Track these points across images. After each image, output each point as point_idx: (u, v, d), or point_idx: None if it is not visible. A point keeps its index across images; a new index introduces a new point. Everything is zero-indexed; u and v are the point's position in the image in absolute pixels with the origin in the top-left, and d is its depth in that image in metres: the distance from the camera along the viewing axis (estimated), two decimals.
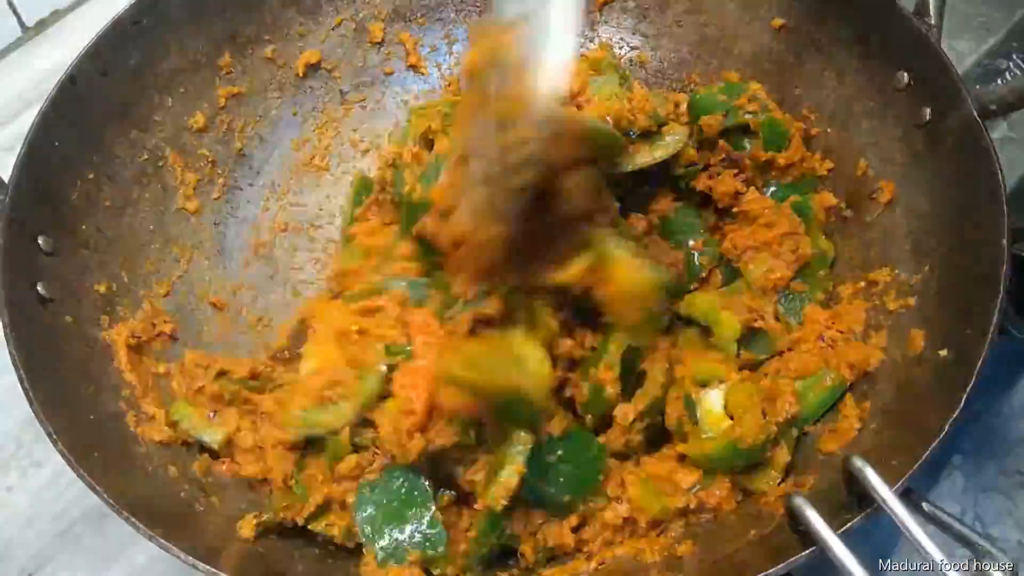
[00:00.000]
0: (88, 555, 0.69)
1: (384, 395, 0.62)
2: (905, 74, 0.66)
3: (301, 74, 0.79)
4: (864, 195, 0.68)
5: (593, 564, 0.59)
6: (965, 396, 0.54)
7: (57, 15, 0.92)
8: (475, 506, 0.59)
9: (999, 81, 0.79)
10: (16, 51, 0.91)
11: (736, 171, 0.70)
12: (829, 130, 0.71)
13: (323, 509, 0.60)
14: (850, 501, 0.53)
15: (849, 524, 0.51)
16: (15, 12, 0.88)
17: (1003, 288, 0.56)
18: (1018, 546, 0.70)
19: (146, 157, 0.71)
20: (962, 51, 0.78)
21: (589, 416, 0.63)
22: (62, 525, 0.70)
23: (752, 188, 0.69)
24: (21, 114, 0.62)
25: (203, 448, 0.63)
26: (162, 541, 0.51)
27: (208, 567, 0.52)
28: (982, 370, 0.54)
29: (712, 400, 0.63)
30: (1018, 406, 0.73)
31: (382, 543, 0.58)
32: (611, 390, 0.61)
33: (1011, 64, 0.80)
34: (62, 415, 0.57)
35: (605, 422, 0.63)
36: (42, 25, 0.92)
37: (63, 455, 0.53)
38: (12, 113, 0.75)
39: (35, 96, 0.62)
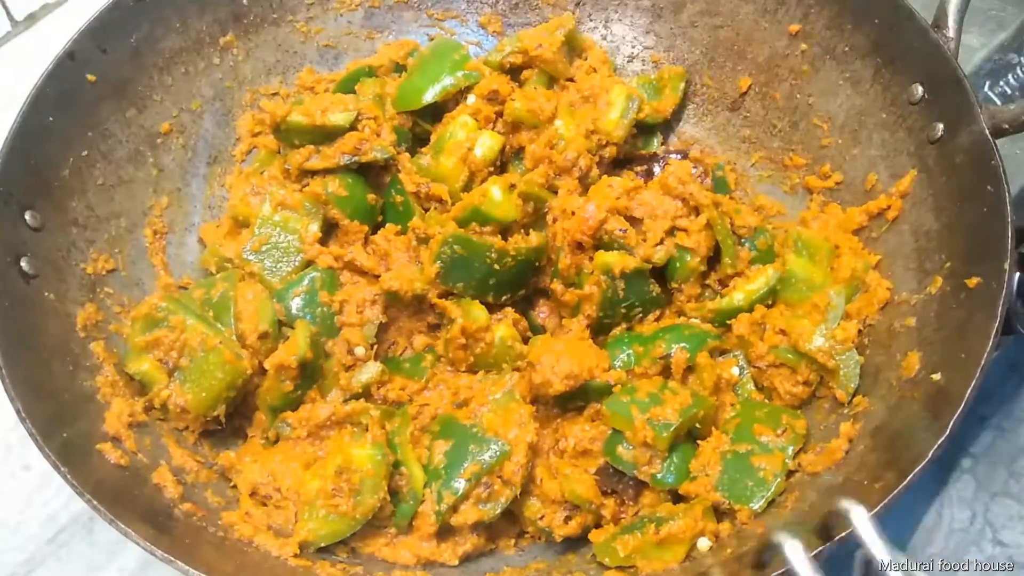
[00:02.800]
0: (77, 560, 0.68)
1: None
2: (920, 87, 0.64)
3: (308, 57, 0.78)
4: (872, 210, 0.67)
5: None
6: (951, 424, 0.52)
7: (47, 8, 0.92)
8: None
9: (1009, 76, 0.77)
10: (6, 45, 0.91)
11: None
12: (840, 141, 0.69)
13: None
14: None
15: (819, 549, 0.50)
16: (4, 6, 0.88)
17: (1001, 315, 0.55)
18: None
19: (143, 136, 0.71)
20: (973, 46, 0.77)
21: None
22: (51, 530, 0.69)
23: None
24: (8, 108, 0.62)
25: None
26: (121, 525, 0.51)
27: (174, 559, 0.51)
28: (972, 397, 0.53)
29: None
30: None
31: None
32: None
33: (1022, 59, 0.78)
34: (35, 392, 0.56)
35: None
36: (32, 19, 0.91)
37: (30, 433, 0.53)
38: (1, 107, 0.75)
39: (25, 90, 0.62)
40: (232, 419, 0.63)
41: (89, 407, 0.60)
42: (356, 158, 0.67)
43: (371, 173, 0.68)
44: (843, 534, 0.49)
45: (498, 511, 0.59)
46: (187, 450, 0.62)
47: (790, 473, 0.59)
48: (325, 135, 0.68)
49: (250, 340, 0.62)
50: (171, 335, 0.61)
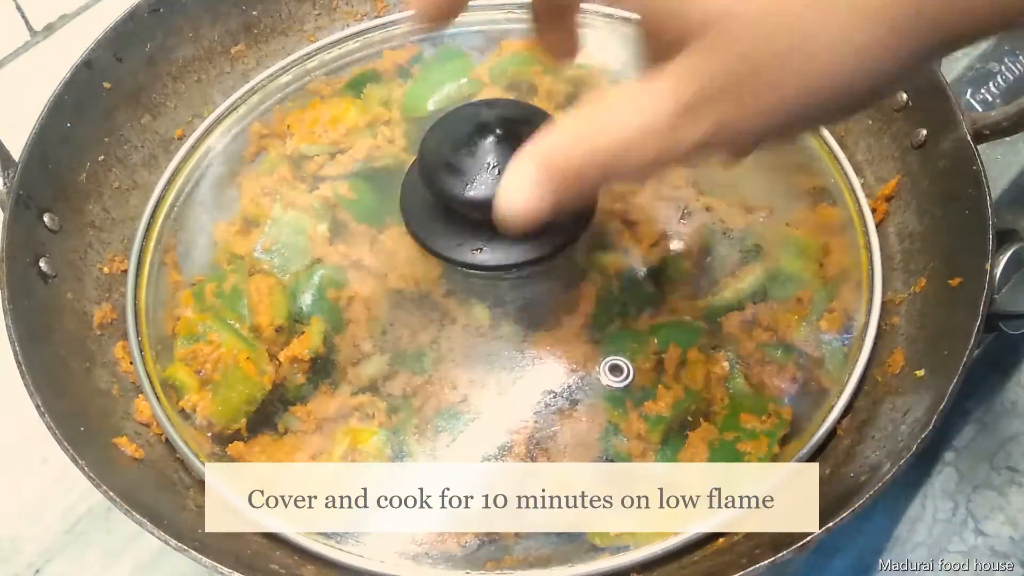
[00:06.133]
0: (95, 550, 0.70)
1: None
2: (904, 94, 0.66)
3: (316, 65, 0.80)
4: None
5: None
6: (935, 419, 0.54)
7: (65, 19, 0.94)
8: None
9: (991, 84, 0.79)
10: (24, 55, 0.93)
11: None
12: (828, 146, 0.71)
13: None
14: None
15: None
16: (23, 17, 0.90)
17: (982, 314, 0.57)
18: (1010, 542, 0.70)
19: (157, 141, 0.73)
20: (955, 55, 0.78)
21: None
22: (69, 521, 0.71)
23: None
24: (28, 117, 0.65)
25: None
26: (137, 516, 0.52)
27: (187, 548, 0.52)
28: (955, 392, 0.55)
29: None
30: (1009, 403, 0.74)
31: None
32: None
33: (1003, 67, 0.80)
34: (54, 388, 0.58)
35: None
36: (50, 29, 0.94)
37: (49, 428, 0.55)
38: (19, 116, 0.76)
39: (43, 100, 0.64)
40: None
41: (105, 402, 0.63)
42: (369, 164, 0.69)
43: (380, 176, 0.70)
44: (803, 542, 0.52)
45: None
46: (198, 442, 0.64)
47: (775, 458, 0.60)
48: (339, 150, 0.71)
49: (266, 333, 0.63)
50: (207, 348, 0.63)
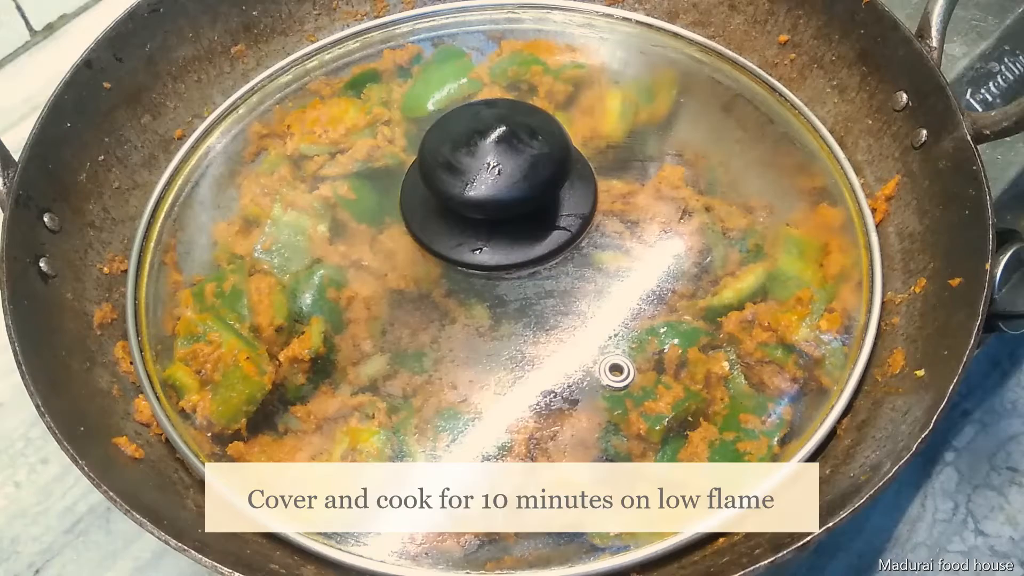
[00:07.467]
0: (95, 550, 0.70)
1: None
2: (904, 94, 0.66)
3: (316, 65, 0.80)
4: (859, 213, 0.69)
5: None
6: (935, 419, 0.54)
7: (65, 19, 0.95)
8: None
9: (991, 84, 0.79)
10: (24, 55, 0.94)
11: None
12: (828, 146, 0.71)
13: None
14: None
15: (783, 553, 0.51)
16: (23, 16, 0.91)
17: (982, 314, 0.56)
18: (1010, 542, 0.70)
19: (157, 141, 0.73)
20: (955, 55, 0.78)
21: None
22: (69, 521, 0.72)
23: None
24: (28, 117, 0.64)
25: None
26: (136, 516, 0.52)
27: (188, 548, 0.52)
28: (955, 392, 0.55)
29: None
30: (1009, 404, 0.74)
31: None
32: None
33: (1003, 67, 0.80)
34: (54, 388, 0.58)
35: None
36: (50, 29, 0.94)
37: (49, 427, 0.55)
38: (19, 116, 0.76)
39: (43, 100, 0.64)
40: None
41: (105, 402, 0.62)
42: (369, 164, 0.69)
43: (380, 176, 0.70)
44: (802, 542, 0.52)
45: None
46: (199, 442, 0.64)
47: (775, 458, 0.60)
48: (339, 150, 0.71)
49: (266, 333, 0.63)
50: (207, 349, 0.63)
